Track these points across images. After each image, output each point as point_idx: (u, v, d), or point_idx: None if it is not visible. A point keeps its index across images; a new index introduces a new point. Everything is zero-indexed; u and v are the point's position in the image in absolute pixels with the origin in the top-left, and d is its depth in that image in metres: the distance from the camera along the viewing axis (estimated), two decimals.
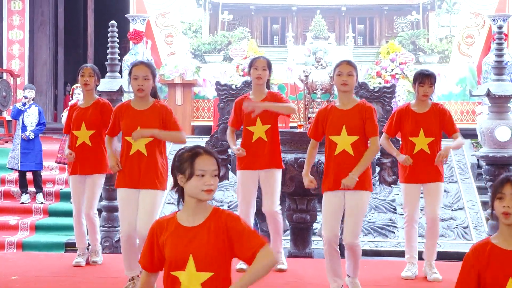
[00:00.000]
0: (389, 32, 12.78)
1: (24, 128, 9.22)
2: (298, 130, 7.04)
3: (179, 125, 5.13)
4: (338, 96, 4.97)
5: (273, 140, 5.59)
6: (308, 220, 6.79)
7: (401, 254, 6.89)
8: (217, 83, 7.09)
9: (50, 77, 14.77)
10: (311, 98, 7.12)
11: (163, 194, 5.42)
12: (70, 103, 8.98)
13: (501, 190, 2.81)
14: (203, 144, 4.55)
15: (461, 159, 9.41)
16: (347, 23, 12.79)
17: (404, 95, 11.56)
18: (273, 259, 2.79)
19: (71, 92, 9.37)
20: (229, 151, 6.92)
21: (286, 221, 6.76)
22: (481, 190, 8.62)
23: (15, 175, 9.50)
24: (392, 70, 11.95)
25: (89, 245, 6.28)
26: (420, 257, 5.75)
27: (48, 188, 9.44)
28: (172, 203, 8.22)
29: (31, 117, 9.27)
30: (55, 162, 9.24)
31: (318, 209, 6.98)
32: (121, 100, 7.43)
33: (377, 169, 6.79)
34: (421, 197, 5.66)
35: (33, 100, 9.47)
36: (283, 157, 5.89)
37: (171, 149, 8.30)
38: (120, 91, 7.46)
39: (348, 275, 5.03)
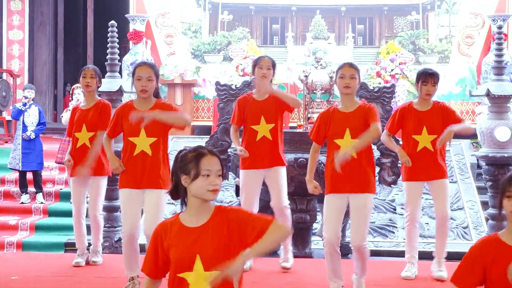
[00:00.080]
0: (388, 32, 12.78)
1: (24, 128, 9.22)
2: (298, 130, 7.04)
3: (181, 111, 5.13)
4: (341, 99, 4.96)
5: (277, 138, 5.59)
6: (308, 220, 6.79)
7: (401, 254, 6.90)
8: (217, 83, 7.09)
9: (49, 77, 14.76)
10: (310, 98, 7.13)
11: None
12: (70, 104, 9.00)
13: (509, 189, 2.79)
14: (203, 144, 4.55)
15: (460, 159, 9.41)
16: (346, 23, 12.80)
17: (404, 95, 11.57)
18: (286, 229, 2.78)
19: (71, 92, 9.36)
20: (229, 151, 6.92)
21: None
22: (481, 190, 8.62)
23: (15, 175, 9.50)
24: (392, 70, 11.96)
25: (89, 245, 6.28)
26: (420, 257, 5.75)
27: (48, 188, 9.44)
28: (172, 203, 8.21)
29: (31, 117, 9.27)
30: (55, 162, 9.24)
31: (318, 209, 6.99)
32: (121, 100, 7.43)
33: (377, 169, 6.79)
34: (422, 198, 5.67)
35: (33, 100, 9.48)
36: None
37: (170, 149, 8.30)
38: (120, 91, 7.46)
39: (355, 273, 5.04)
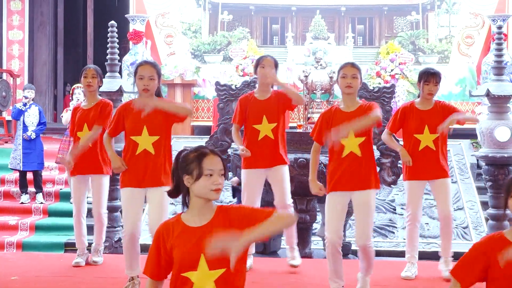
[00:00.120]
0: (388, 32, 12.79)
1: (25, 128, 9.23)
2: (298, 130, 7.04)
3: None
4: (342, 98, 4.96)
5: (279, 138, 5.59)
6: (308, 220, 6.79)
7: (400, 254, 6.90)
8: (217, 83, 7.09)
9: (49, 77, 14.77)
10: (310, 98, 7.13)
11: None
12: (71, 104, 9.00)
13: None
14: (202, 144, 4.54)
15: (460, 159, 9.42)
16: (346, 23, 12.80)
17: (404, 95, 11.58)
18: (290, 215, 2.84)
19: (71, 92, 9.37)
20: (229, 151, 6.93)
21: None
22: (481, 190, 8.62)
23: (15, 175, 9.50)
24: (392, 70, 11.97)
25: (89, 245, 6.27)
26: (420, 257, 5.75)
27: (47, 188, 9.45)
28: (172, 203, 8.21)
29: (31, 117, 9.28)
30: (55, 162, 9.25)
31: (318, 209, 6.99)
32: (121, 101, 7.42)
33: (377, 169, 6.79)
34: (422, 198, 5.67)
35: (32, 100, 9.48)
36: None
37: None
38: (120, 91, 7.46)
39: (361, 272, 5.05)
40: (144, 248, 5.65)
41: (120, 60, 7.90)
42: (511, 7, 12.18)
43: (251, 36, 12.82)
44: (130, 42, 12.49)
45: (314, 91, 7.09)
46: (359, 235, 4.88)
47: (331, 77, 7.08)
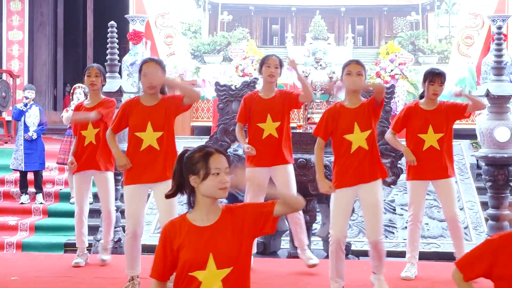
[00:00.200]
0: (388, 32, 12.80)
1: (26, 129, 9.23)
2: (298, 131, 7.04)
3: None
4: (347, 96, 4.98)
5: (283, 137, 5.59)
6: (308, 220, 6.78)
7: (400, 254, 6.90)
8: (217, 84, 7.09)
9: (49, 77, 14.77)
10: None
11: None
12: (71, 103, 9.00)
13: None
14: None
15: (460, 159, 9.42)
16: (346, 24, 12.81)
17: (404, 96, 11.57)
18: (299, 197, 2.90)
19: (71, 92, 9.38)
20: (229, 151, 6.92)
21: (286, 221, 6.76)
22: (481, 190, 8.63)
23: (14, 176, 9.50)
24: (392, 70, 11.97)
25: (89, 245, 6.27)
26: (420, 257, 5.75)
27: (47, 188, 9.45)
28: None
29: (32, 118, 9.29)
30: (56, 163, 9.24)
31: (318, 210, 6.99)
32: (121, 101, 7.42)
33: None
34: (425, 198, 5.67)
35: (33, 100, 9.49)
36: None
37: None
38: (120, 91, 7.46)
39: (373, 272, 5.05)
40: (145, 249, 5.66)
41: (120, 61, 7.90)
42: (510, 7, 12.19)
43: (250, 37, 12.82)
44: (130, 43, 12.49)
45: (314, 92, 7.09)
46: (370, 231, 4.90)
47: (330, 78, 7.08)
